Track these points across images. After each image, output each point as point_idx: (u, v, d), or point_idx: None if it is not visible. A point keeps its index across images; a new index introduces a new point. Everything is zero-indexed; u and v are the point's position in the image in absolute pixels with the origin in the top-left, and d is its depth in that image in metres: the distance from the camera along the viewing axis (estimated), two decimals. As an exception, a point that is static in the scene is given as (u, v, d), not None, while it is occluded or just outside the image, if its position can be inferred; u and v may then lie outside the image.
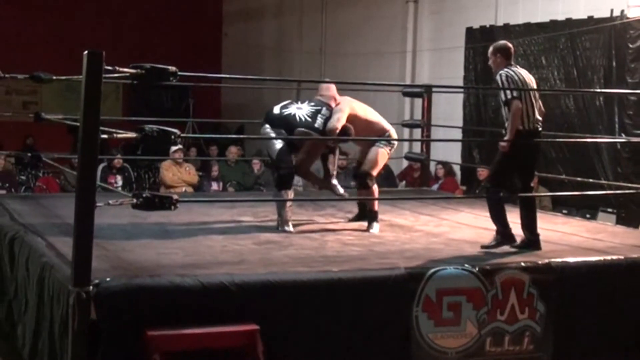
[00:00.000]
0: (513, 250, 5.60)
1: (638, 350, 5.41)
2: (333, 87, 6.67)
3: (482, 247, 5.66)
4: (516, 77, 5.66)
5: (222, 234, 6.07)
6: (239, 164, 12.58)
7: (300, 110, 6.47)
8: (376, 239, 6.09)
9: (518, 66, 5.87)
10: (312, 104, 6.53)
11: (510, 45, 5.89)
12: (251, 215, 6.97)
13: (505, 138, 5.65)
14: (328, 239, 6.03)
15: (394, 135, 6.73)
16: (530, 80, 5.78)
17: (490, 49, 5.89)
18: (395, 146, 6.78)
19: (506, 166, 5.73)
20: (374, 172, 6.56)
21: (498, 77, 5.69)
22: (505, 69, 5.69)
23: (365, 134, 6.54)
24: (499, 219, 5.69)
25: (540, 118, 5.75)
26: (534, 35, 11.04)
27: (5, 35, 16.11)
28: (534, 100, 5.70)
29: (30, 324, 4.91)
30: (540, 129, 5.77)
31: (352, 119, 6.47)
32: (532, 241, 5.72)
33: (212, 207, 7.32)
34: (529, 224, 5.75)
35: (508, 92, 5.57)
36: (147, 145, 11.45)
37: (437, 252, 5.54)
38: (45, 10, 16.79)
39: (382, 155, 6.59)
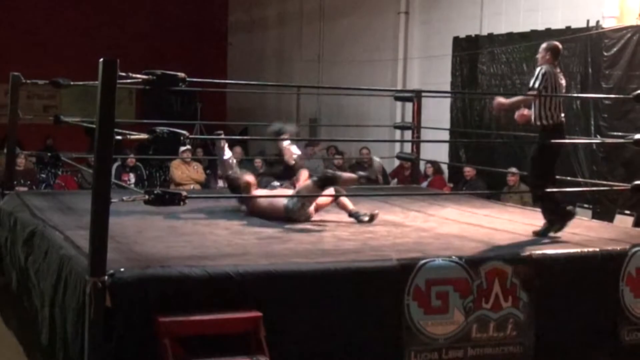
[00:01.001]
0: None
1: (612, 335, 5.41)
2: None
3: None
4: (551, 78, 5.82)
5: (227, 229, 6.05)
6: (243, 163, 12.54)
7: None
8: (370, 233, 6.08)
9: (558, 68, 6.02)
10: None
11: (560, 47, 6.07)
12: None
13: (506, 100, 6.07)
14: (325, 234, 6.01)
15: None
16: (562, 82, 5.97)
17: (544, 45, 6.04)
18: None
19: (545, 160, 5.91)
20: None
21: (538, 69, 5.88)
22: (546, 66, 5.87)
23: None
24: (552, 210, 5.85)
25: (563, 114, 5.94)
26: (516, 44, 11.05)
27: (26, 44, 16.12)
28: (560, 100, 5.91)
29: (49, 311, 4.90)
30: (563, 122, 5.94)
31: None
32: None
33: (218, 203, 7.31)
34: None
35: (536, 83, 5.79)
36: (158, 145, 11.43)
37: (426, 245, 5.52)
38: (63, 22, 16.86)
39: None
